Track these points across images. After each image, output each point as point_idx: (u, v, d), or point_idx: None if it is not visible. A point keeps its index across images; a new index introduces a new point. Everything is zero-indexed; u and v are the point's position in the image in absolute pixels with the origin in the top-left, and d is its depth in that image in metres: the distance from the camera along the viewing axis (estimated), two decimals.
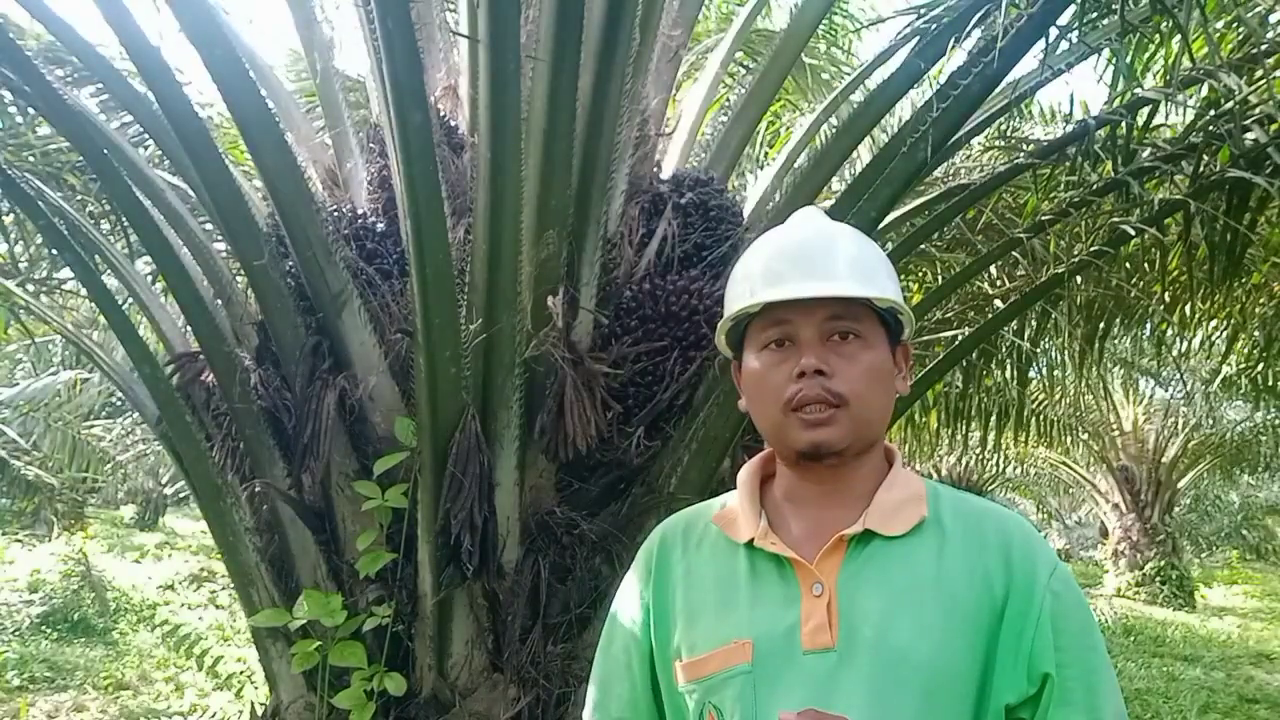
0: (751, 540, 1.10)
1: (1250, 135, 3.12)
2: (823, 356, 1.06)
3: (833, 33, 5.51)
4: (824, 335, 1.08)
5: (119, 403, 10.25)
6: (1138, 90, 3.37)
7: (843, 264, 1.10)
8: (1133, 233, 3.33)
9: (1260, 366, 6.01)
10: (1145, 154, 3.39)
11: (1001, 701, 1.02)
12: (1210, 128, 3.16)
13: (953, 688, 1.00)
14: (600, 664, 1.22)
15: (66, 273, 4.16)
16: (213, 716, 6.12)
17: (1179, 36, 2.78)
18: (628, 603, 1.20)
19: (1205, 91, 3.39)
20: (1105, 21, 2.83)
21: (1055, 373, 6.52)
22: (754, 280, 1.12)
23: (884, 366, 1.10)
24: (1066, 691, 1.01)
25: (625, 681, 1.17)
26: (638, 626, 1.17)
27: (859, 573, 1.05)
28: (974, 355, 4.97)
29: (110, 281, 2.95)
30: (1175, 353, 6.51)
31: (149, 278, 3.67)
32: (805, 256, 1.11)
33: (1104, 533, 17.02)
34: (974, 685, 1.01)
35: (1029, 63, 2.61)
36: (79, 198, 3.78)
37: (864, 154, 4.16)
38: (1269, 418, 12.13)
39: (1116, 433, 14.22)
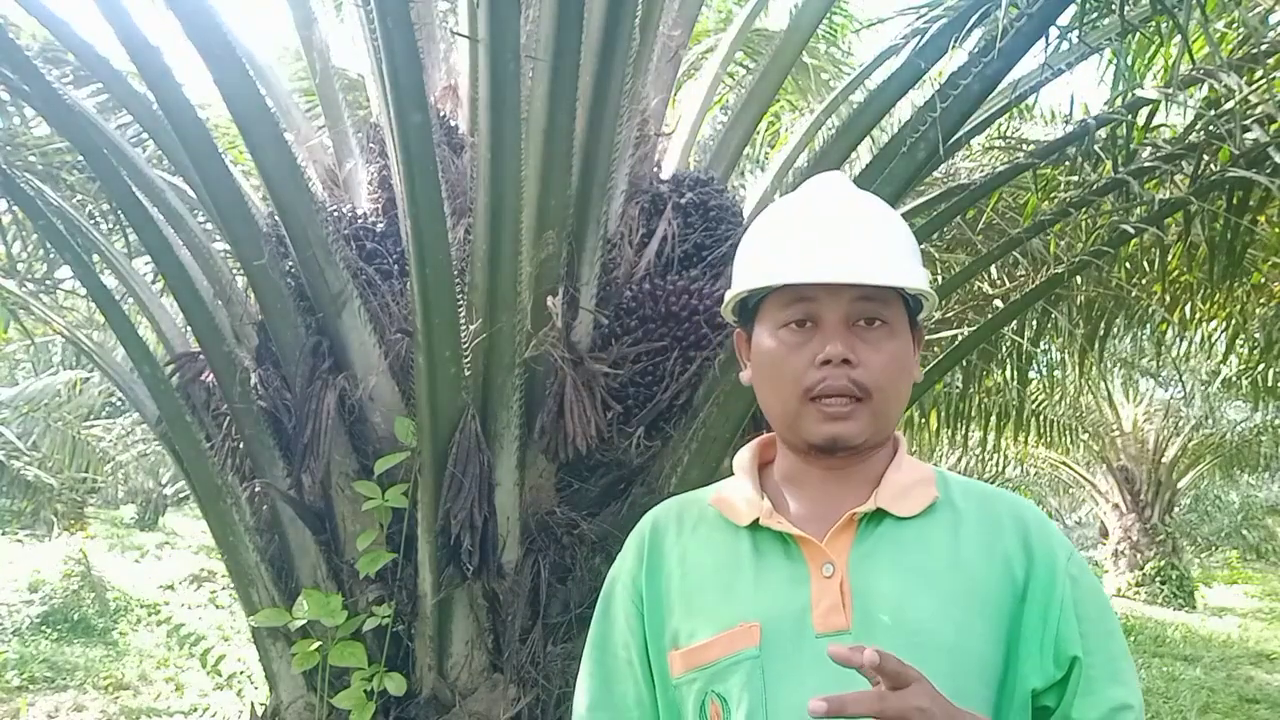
0: (755, 521, 1.04)
1: (1250, 135, 3.12)
2: (849, 344, 1.00)
3: (833, 33, 5.51)
4: (849, 318, 1.01)
5: (119, 403, 10.24)
6: (1138, 90, 3.37)
7: (874, 244, 1.03)
8: (1133, 232, 3.33)
9: (1260, 367, 6.01)
10: (1145, 154, 3.39)
11: (1027, 687, 0.99)
12: (1210, 127, 3.16)
13: (977, 671, 0.96)
14: (597, 660, 1.14)
15: (66, 272, 4.15)
16: (213, 716, 6.11)
17: (1179, 36, 2.77)
18: (620, 592, 1.13)
19: (1205, 91, 3.39)
20: (1105, 21, 2.83)
21: (1055, 373, 6.53)
22: (778, 251, 1.04)
23: (907, 355, 1.05)
24: (1091, 679, 0.98)
25: (629, 679, 1.10)
26: (632, 617, 1.11)
27: (872, 552, 1.01)
28: (974, 355, 4.97)
29: (110, 281, 2.95)
30: (1175, 353, 6.52)
31: (149, 277, 3.66)
32: (835, 232, 1.03)
33: (1104, 533, 17.00)
34: (997, 669, 0.98)
35: (1029, 63, 2.61)
36: (78, 198, 3.78)
37: (864, 154, 4.16)
38: (1269, 418, 12.12)
39: (1116, 433, 14.21)
